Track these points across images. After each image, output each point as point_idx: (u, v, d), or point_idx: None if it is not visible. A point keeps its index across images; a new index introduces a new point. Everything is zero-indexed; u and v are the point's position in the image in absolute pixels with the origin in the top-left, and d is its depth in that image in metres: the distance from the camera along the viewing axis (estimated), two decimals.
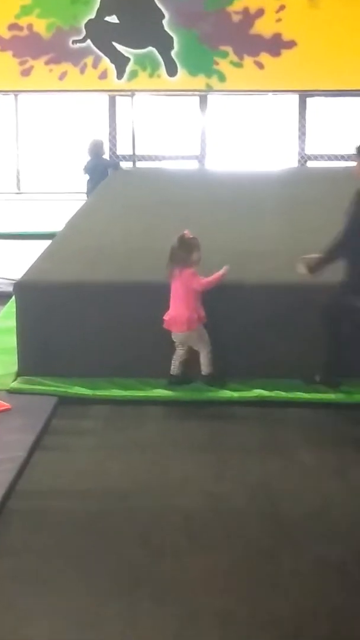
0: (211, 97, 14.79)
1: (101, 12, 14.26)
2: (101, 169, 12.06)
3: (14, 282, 6.92)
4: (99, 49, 14.36)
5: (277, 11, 14.12)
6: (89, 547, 4.40)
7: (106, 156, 12.97)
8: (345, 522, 4.65)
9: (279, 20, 14.15)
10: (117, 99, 14.92)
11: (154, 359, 6.46)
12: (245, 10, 14.16)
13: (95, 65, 14.43)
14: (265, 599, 3.96)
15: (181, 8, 14.11)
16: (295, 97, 14.70)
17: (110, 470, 5.25)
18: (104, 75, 14.46)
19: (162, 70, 14.37)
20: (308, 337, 6.35)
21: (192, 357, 6.41)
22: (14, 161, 15.19)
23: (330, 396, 6.22)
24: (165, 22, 14.21)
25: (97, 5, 14.24)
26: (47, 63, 14.39)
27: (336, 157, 14.39)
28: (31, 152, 15.18)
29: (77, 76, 14.42)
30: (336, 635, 3.72)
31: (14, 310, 6.78)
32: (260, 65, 14.27)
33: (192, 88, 14.47)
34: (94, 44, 14.34)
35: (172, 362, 6.41)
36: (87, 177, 12.16)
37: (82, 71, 14.43)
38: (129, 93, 14.59)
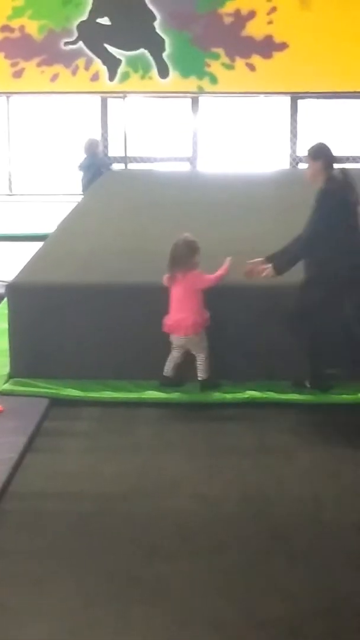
0: (203, 99, 14.80)
1: (93, 14, 14.26)
2: (95, 168, 12.17)
3: (6, 283, 6.90)
4: (90, 50, 14.36)
5: (269, 13, 14.14)
6: (81, 549, 4.39)
7: (102, 155, 13.04)
8: (338, 523, 4.65)
9: (270, 22, 14.17)
10: (109, 100, 14.93)
11: (146, 361, 6.45)
12: (237, 12, 14.18)
13: (87, 67, 14.42)
14: (259, 601, 3.95)
15: (173, 10, 14.12)
16: (286, 99, 14.73)
17: (103, 473, 5.23)
18: (95, 77, 14.46)
19: (154, 72, 14.37)
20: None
21: (186, 359, 6.40)
22: (6, 163, 15.18)
23: (323, 397, 6.22)
24: (157, 24, 14.21)
25: (89, 7, 14.24)
26: (39, 65, 14.38)
27: None
28: (23, 154, 15.16)
29: (69, 78, 14.42)
30: (331, 637, 3.72)
31: (6, 312, 6.76)
32: (251, 67, 14.28)
33: (183, 90, 14.48)
34: (85, 45, 14.34)
35: (167, 363, 6.39)
36: (81, 174, 12.29)
37: (74, 73, 14.43)
38: (121, 95, 14.59)
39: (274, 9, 14.13)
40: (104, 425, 5.94)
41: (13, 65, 14.39)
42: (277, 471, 5.25)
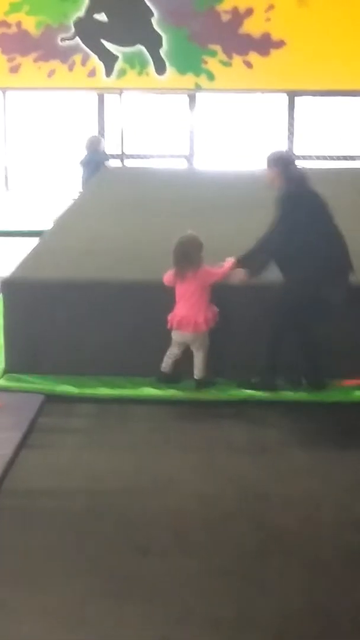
0: (200, 96, 14.78)
1: (90, 10, 14.24)
2: (94, 164, 12.18)
3: (1, 279, 6.88)
4: (87, 46, 14.35)
5: (267, 11, 14.14)
6: (76, 546, 4.37)
7: (103, 152, 13.03)
8: (333, 523, 4.64)
9: (268, 19, 14.17)
10: (106, 96, 14.92)
11: (142, 357, 6.43)
12: (235, 10, 14.17)
13: (83, 63, 14.41)
14: (254, 600, 3.94)
15: (170, 6, 14.11)
16: (284, 97, 14.72)
17: (98, 469, 5.21)
18: (92, 73, 14.44)
19: (151, 68, 14.36)
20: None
21: (184, 356, 6.37)
22: (2, 159, 15.15)
23: (319, 396, 6.21)
24: (154, 20, 14.20)
25: (86, 3, 14.23)
26: (35, 60, 14.36)
27: (324, 157, 14.40)
28: (19, 150, 15.14)
29: (65, 74, 14.40)
30: (324, 636, 3.71)
31: (1, 307, 6.74)
32: (249, 65, 14.28)
33: (180, 87, 14.46)
34: (82, 41, 14.32)
35: (165, 359, 6.35)
36: (81, 170, 12.33)
37: (70, 69, 14.41)
38: (118, 91, 14.57)
39: (271, 7, 14.13)
40: (99, 422, 5.92)
41: (10, 60, 14.37)
42: (273, 470, 5.23)
